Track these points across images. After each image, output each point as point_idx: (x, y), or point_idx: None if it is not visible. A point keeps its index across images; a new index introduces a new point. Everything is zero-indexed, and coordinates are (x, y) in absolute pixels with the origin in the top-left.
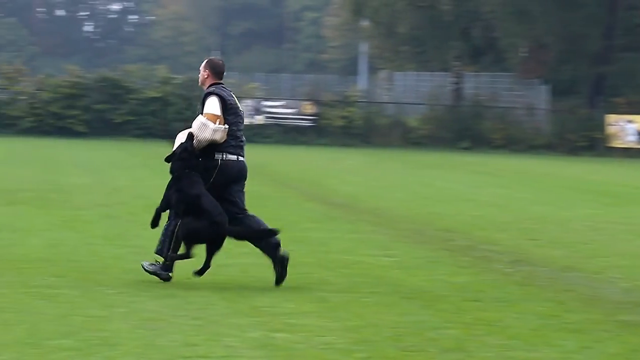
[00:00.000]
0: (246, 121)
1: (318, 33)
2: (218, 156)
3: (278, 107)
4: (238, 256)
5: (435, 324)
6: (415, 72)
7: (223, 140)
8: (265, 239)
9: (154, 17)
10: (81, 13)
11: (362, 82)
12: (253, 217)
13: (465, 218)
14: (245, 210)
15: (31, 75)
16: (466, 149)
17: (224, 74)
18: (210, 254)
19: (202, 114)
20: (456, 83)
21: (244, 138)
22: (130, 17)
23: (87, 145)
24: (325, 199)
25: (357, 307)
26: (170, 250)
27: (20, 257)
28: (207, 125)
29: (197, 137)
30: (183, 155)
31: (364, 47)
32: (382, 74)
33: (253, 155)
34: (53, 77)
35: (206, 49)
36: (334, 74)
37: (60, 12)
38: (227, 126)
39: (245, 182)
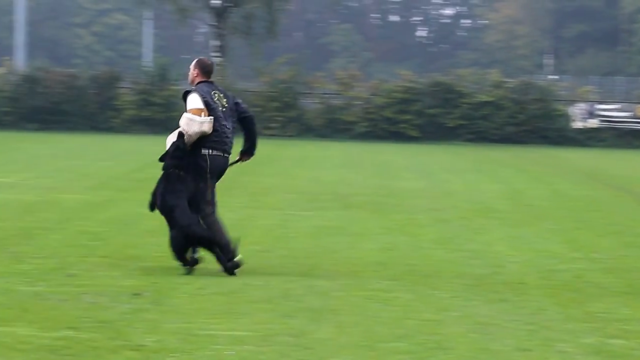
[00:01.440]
0: (579, 124)
1: None
2: (205, 152)
3: (612, 111)
4: (571, 261)
5: None
6: None
7: (211, 131)
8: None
9: (486, 21)
10: (414, 18)
11: None
12: (218, 222)
13: None
14: (214, 209)
15: (365, 81)
16: None
17: (212, 73)
18: (216, 256)
19: (185, 111)
20: None
21: (230, 135)
22: (463, 21)
23: (419, 150)
24: None
25: None
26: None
27: (355, 260)
28: (193, 119)
29: (187, 132)
30: (175, 153)
31: None
32: None
33: (586, 159)
34: (386, 82)
35: (538, 52)
36: None
37: (394, 18)
38: (212, 118)
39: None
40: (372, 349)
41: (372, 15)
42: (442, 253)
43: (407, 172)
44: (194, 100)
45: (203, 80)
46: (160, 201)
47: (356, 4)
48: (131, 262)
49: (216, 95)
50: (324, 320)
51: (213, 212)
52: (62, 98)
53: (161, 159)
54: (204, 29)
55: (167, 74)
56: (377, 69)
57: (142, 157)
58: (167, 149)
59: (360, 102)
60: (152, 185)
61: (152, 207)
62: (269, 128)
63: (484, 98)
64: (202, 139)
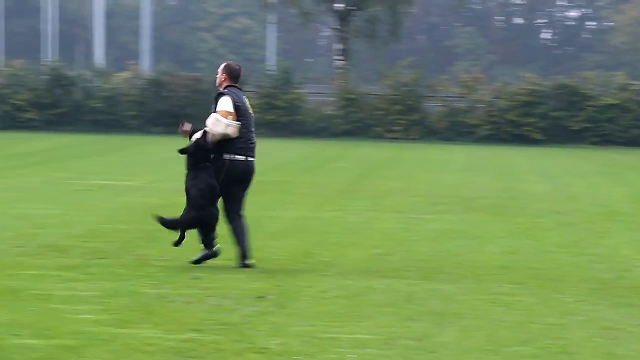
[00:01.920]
0: None
1: None
2: (226, 156)
3: None
4: None
5: None
6: None
7: (235, 135)
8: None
9: (612, 24)
10: (539, 20)
11: None
12: (242, 222)
13: None
14: (241, 213)
15: (488, 84)
16: None
17: (239, 78)
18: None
19: (215, 111)
20: None
21: (254, 140)
22: (588, 23)
23: (542, 153)
24: None
25: None
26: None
27: (478, 264)
28: (220, 120)
29: (211, 131)
30: (197, 152)
31: None
32: None
33: None
34: (510, 85)
35: None
36: None
37: (518, 20)
38: (239, 123)
39: (250, 184)
40: (496, 353)
41: (496, 17)
42: (566, 257)
43: (531, 175)
44: (226, 103)
45: (230, 84)
46: (194, 192)
47: (480, 7)
48: (255, 265)
49: (247, 100)
50: (447, 324)
51: (238, 215)
52: (186, 102)
53: (182, 152)
54: (327, 32)
55: (290, 78)
56: (500, 71)
57: (264, 161)
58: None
59: (484, 105)
60: (275, 189)
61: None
62: (392, 131)
63: (609, 101)
64: (228, 143)
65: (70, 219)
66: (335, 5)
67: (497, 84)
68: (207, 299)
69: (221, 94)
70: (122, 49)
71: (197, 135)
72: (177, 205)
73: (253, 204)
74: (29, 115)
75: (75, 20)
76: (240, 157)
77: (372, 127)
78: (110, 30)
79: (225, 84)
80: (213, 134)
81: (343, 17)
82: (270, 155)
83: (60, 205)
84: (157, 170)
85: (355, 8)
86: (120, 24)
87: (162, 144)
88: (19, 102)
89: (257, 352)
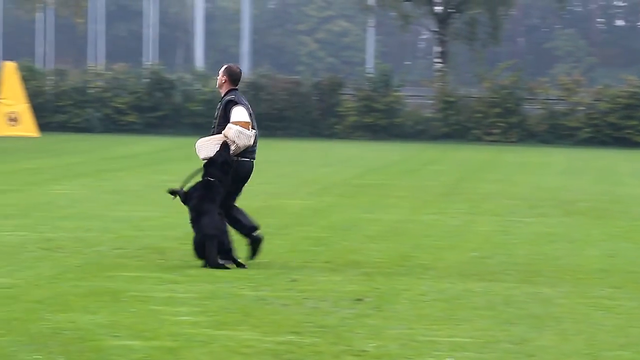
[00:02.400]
0: None
1: None
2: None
3: None
4: None
5: None
6: None
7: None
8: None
9: None
10: None
11: None
12: (239, 209)
13: None
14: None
15: (589, 86)
16: None
17: (239, 81)
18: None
19: (228, 120)
20: None
21: (257, 141)
22: None
23: None
24: None
25: None
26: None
27: (577, 267)
28: (243, 132)
29: (236, 144)
30: (224, 167)
31: None
32: None
33: None
34: (611, 88)
35: None
36: None
37: (619, 22)
38: (256, 132)
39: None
40: (596, 358)
41: (597, 20)
42: None
43: (631, 179)
44: (243, 114)
45: (232, 88)
46: (196, 202)
47: (580, 9)
48: (353, 268)
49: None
50: (546, 328)
51: (233, 208)
52: (285, 105)
53: (206, 165)
54: (426, 35)
55: (389, 80)
56: (601, 74)
57: (363, 163)
58: (211, 155)
59: (584, 108)
60: (373, 191)
61: (175, 194)
62: (490, 134)
63: None
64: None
65: (170, 222)
66: (435, 8)
67: (597, 86)
68: (305, 302)
69: (233, 103)
70: (222, 52)
71: (207, 143)
72: (272, 207)
73: (352, 206)
74: (129, 118)
75: (176, 24)
76: (247, 159)
77: (470, 130)
78: (210, 34)
79: (225, 87)
80: (238, 146)
81: (442, 19)
82: (368, 158)
83: (160, 207)
84: (255, 173)
85: (454, 10)
86: (221, 27)
87: (260, 147)
88: (119, 105)
89: (355, 355)
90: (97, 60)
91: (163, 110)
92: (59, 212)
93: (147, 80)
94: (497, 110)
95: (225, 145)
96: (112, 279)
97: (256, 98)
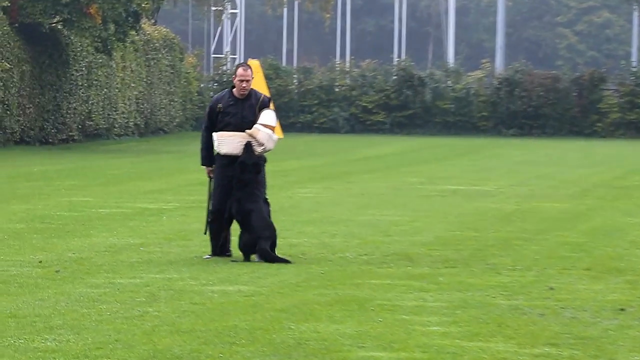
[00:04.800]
0: None
1: None
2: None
3: None
4: None
5: None
6: None
7: None
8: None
9: None
10: None
11: None
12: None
13: None
14: None
15: None
16: None
17: None
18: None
19: (257, 121)
20: None
21: None
22: None
23: None
24: None
25: None
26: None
27: None
28: (272, 137)
29: (265, 148)
30: (257, 169)
31: None
32: None
33: None
34: None
35: None
36: None
37: None
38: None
39: None
40: None
41: None
42: None
43: None
44: (274, 118)
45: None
46: (236, 206)
47: None
48: (615, 275)
49: None
50: None
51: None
52: (542, 102)
53: (242, 164)
54: None
55: None
56: None
57: (627, 164)
58: (233, 152)
59: None
60: (638, 194)
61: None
62: None
63: None
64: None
65: (419, 226)
66: None
67: None
68: (563, 311)
69: (268, 103)
70: (474, 47)
71: (231, 140)
72: (527, 211)
73: (615, 210)
74: (377, 117)
75: (426, 18)
76: None
77: None
78: (462, 28)
79: (250, 85)
80: (264, 149)
81: None
82: (632, 158)
83: (409, 211)
84: (510, 175)
85: None
86: (474, 20)
87: (515, 146)
88: (367, 104)
89: None
90: (343, 58)
91: (412, 109)
92: (304, 216)
93: (396, 77)
94: None
95: (249, 147)
96: (359, 286)
97: (511, 95)
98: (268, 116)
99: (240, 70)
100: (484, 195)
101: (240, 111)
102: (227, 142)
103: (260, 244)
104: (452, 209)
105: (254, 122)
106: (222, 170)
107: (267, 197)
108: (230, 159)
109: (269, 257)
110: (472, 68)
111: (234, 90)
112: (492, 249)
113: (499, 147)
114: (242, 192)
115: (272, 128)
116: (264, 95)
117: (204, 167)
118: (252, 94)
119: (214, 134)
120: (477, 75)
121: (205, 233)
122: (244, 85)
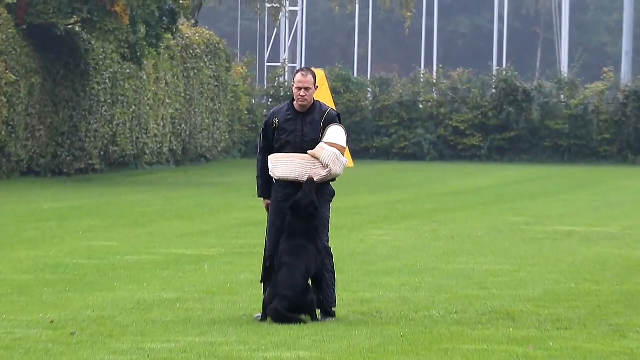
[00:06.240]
0: None
1: None
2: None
3: None
4: None
5: None
6: None
7: None
8: None
9: None
10: None
11: None
12: None
13: None
14: None
15: None
16: None
17: None
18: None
19: (322, 139)
20: None
21: None
22: None
23: None
24: None
25: None
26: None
27: None
28: (340, 159)
29: (330, 171)
30: (309, 209)
31: None
32: None
33: None
34: None
35: None
36: None
37: None
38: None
39: None
40: None
41: None
42: None
43: None
44: (343, 137)
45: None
46: (277, 257)
47: None
48: None
49: None
50: None
51: None
52: None
53: (293, 208)
54: None
55: None
56: None
57: None
58: (290, 175)
59: None
60: None
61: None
62: None
63: None
64: None
65: (524, 277)
66: None
67: None
68: None
69: (335, 119)
70: (593, 53)
71: (287, 163)
72: None
73: None
74: (471, 141)
75: (533, 16)
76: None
77: None
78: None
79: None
80: (330, 174)
81: None
82: None
83: (511, 258)
84: (639, 213)
85: None
86: (593, 19)
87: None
88: (458, 125)
89: None
90: (428, 66)
91: (515, 130)
92: (379, 264)
93: (495, 90)
94: None
95: (310, 183)
96: (448, 352)
97: (638, 113)
98: (336, 133)
99: (298, 76)
100: (606, 238)
101: (300, 127)
102: (281, 164)
103: (274, 303)
104: (565, 256)
105: (318, 141)
106: (278, 204)
107: (329, 242)
108: (288, 189)
109: (280, 318)
110: (591, 79)
111: (294, 102)
112: (615, 306)
113: (625, 177)
114: (286, 244)
115: (341, 149)
116: (331, 109)
117: (262, 199)
118: (315, 107)
119: (270, 157)
120: (598, 87)
121: (261, 282)
122: (302, 93)
